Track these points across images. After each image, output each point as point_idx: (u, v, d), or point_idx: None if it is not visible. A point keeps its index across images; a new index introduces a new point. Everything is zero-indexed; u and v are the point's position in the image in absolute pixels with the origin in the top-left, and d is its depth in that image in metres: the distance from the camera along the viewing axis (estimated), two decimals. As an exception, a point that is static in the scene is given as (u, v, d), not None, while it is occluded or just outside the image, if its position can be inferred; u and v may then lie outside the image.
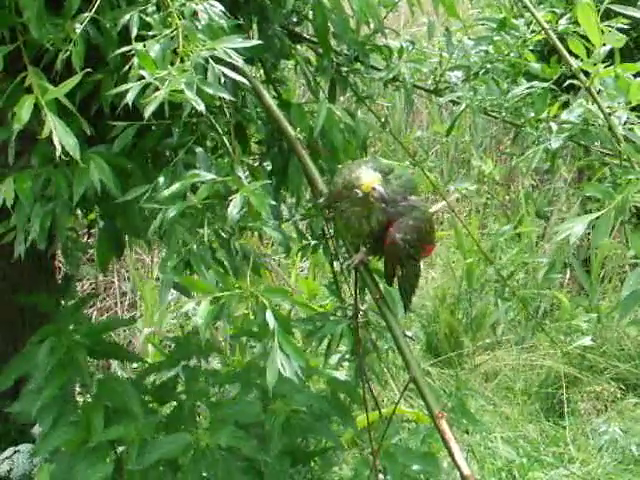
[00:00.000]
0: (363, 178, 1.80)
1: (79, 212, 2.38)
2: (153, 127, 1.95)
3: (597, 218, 1.77)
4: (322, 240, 2.39)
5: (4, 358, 2.41)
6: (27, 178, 1.86)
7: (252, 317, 1.69)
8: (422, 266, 2.05)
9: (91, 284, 5.09)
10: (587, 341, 4.31)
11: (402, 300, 1.96)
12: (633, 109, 2.10)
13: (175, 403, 2.38)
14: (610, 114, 2.06)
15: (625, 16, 2.13)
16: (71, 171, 1.82)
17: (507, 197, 6.68)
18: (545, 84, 2.33)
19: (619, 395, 4.66)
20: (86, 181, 1.80)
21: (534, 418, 4.55)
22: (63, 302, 2.48)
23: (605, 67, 2.07)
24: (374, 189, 1.78)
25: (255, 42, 1.76)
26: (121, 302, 5.19)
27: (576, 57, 2.11)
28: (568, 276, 5.55)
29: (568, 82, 2.24)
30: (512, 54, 2.40)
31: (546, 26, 2.19)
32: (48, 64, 1.79)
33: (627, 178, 1.87)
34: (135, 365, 4.21)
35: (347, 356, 2.36)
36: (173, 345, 2.66)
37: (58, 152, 1.63)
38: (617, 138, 2.03)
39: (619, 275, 5.48)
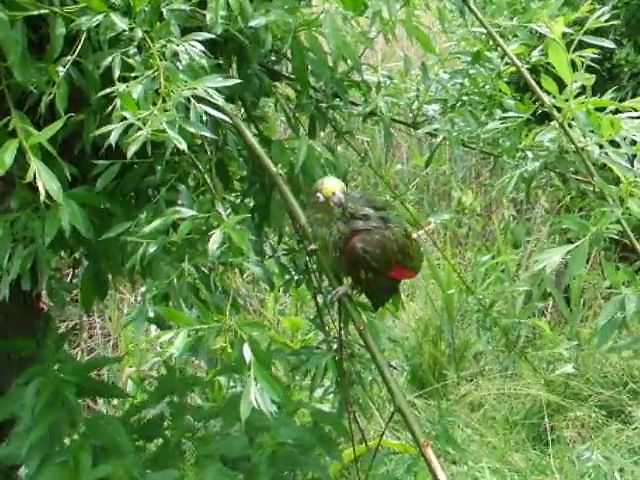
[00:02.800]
0: (325, 183, 1.88)
1: (63, 252, 2.39)
2: (135, 166, 1.98)
3: (573, 249, 1.82)
4: (305, 274, 2.41)
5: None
6: (0, 225, 1.87)
7: (230, 350, 1.69)
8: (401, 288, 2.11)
9: (75, 325, 5.08)
10: (569, 369, 4.34)
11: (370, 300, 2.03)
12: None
13: (161, 440, 2.38)
14: (582, 148, 2.10)
15: (597, 47, 2.18)
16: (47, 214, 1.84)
17: (487, 228, 6.73)
18: (520, 115, 2.37)
19: (603, 422, 4.69)
20: (57, 225, 1.80)
21: (520, 447, 4.56)
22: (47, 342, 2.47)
23: (576, 96, 2.11)
24: (334, 194, 1.85)
25: (235, 81, 1.79)
26: (105, 342, 5.18)
27: (549, 93, 2.16)
28: (550, 304, 5.60)
29: (541, 110, 2.28)
30: (487, 86, 2.45)
31: (518, 63, 2.25)
32: (32, 106, 1.82)
33: (601, 210, 1.92)
34: (115, 402, 4.20)
35: (332, 389, 2.37)
36: (157, 383, 2.66)
37: (42, 197, 1.65)
38: (590, 172, 2.08)
39: (599, 302, 5.52)
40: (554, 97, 2.14)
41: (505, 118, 2.41)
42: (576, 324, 5.36)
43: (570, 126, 2.14)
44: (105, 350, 5.09)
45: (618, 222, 1.91)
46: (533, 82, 2.19)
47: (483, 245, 6.38)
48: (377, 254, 1.90)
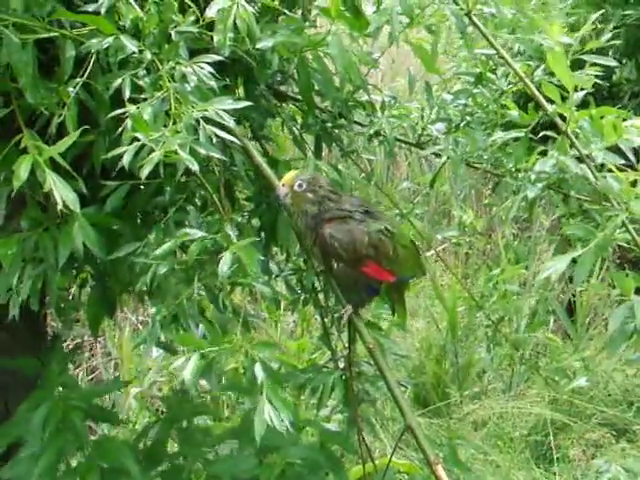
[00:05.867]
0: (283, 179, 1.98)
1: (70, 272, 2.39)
2: (142, 186, 1.98)
3: (579, 256, 1.80)
4: (312, 294, 2.41)
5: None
6: (12, 244, 1.88)
7: (242, 371, 1.69)
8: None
9: (76, 344, 5.07)
10: (582, 382, 4.29)
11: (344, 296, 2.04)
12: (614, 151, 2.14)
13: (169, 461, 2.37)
14: (587, 156, 2.10)
15: (597, 65, 2.19)
16: (58, 234, 1.85)
17: (488, 246, 6.74)
18: (523, 130, 2.37)
19: (608, 440, 4.68)
20: (70, 244, 1.82)
21: (525, 465, 4.55)
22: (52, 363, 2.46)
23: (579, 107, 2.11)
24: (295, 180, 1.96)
25: (245, 103, 1.80)
26: (106, 362, 5.18)
27: (552, 103, 2.16)
28: (552, 323, 5.60)
29: (543, 133, 2.28)
30: (490, 106, 2.45)
31: (523, 75, 2.25)
32: (42, 127, 1.83)
33: (607, 215, 1.91)
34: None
35: (339, 407, 2.36)
36: (160, 402, 2.64)
37: (59, 206, 1.66)
38: (595, 176, 2.07)
39: (603, 321, 5.52)
40: (557, 107, 2.14)
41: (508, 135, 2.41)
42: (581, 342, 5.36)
43: (576, 135, 2.13)
44: (107, 370, 5.09)
45: (625, 230, 1.89)
46: (537, 93, 2.19)
47: (485, 263, 6.38)
48: (345, 242, 1.94)
